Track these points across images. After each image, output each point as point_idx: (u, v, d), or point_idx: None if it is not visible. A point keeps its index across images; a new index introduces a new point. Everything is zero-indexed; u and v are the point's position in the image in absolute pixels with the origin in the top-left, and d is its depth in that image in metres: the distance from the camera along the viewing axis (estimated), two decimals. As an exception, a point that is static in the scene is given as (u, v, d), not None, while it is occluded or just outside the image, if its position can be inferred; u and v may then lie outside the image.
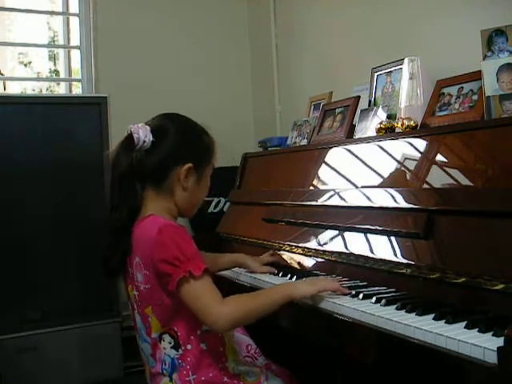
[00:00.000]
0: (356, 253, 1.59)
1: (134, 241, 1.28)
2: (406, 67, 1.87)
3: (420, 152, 1.58)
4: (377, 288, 1.43)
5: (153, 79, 3.20)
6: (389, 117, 1.94)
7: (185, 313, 1.25)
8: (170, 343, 1.27)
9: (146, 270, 1.25)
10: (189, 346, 1.27)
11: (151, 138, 1.30)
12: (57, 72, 4.54)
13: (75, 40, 3.29)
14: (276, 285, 1.36)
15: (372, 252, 1.54)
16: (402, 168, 1.62)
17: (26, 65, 4.79)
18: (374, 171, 1.71)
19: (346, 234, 1.66)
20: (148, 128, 1.31)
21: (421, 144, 1.59)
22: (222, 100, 3.35)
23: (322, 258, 1.73)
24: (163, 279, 1.23)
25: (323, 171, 1.99)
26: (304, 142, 2.37)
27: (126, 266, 1.31)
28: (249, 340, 1.43)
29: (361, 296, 1.34)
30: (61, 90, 4.19)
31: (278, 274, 1.72)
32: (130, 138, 1.29)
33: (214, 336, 1.30)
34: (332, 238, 1.71)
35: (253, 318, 1.28)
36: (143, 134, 1.29)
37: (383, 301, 1.27)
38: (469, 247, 1.28)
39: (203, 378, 1.27)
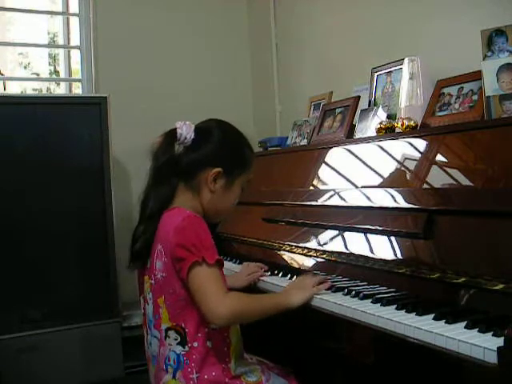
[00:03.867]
0: (356, 253, 1.59)
1: (158, 229, 1.32)
2: (405, 67, 1.87)
3: (420, 152, 1.58)
4: (377, 288, 1.43)
5: (153, 79, 3.20)
6: (389, 117, 1.94)
7: (195, 308, 1.26)
8: (176, 339, 1.29)
9: (166, 258, 1.28)
10: (195, 344, 1.28)
11: (193, 136, 1.35)
12: (57, 72, 4.54)
13: (75, 40, 3.29)
14: (275, 294, 1.39)
15: (372, 252, 1.54)
16: (402, 168, 1.62)
17: (25, 66, 4.79)
18: (374, 171, 1.71)
19: (346, 234, 1.67)
20: (192, 126, 1.37)
21: (421, 144, 1.59)
22: (222, 100, 3.35)
23: (322, 258, 1.73)
24: (177, 265, 1.25)
25: (323, 171, 1.99)
26: (304, 142, 2.37)
27: (149, 254, 1.33)
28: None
29: (361, 296, 1.34)
30: (61, 90, 4.19)
31: (277, 274, 1.72)
32: (173, 131, 1.35)
33: (219, 335, 1.31)
34: (332, 238, 1.71)
35: (249, 318, 1.32)
36: (186, 131, 1.34)
37: (383, 301, 1.27)
38: (469, 247, 1.28)
39: (206, 377, 1.27)
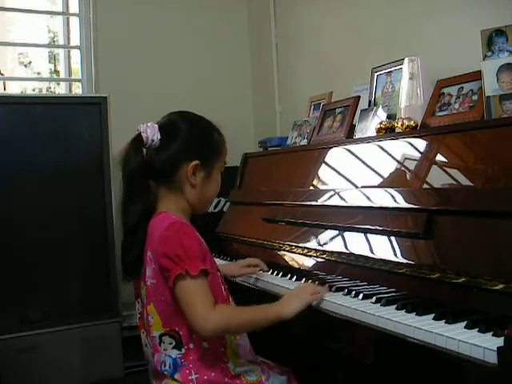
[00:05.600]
0: (356, 253, 1.59)
1: (148, 235, 1.31)
2: (405, 67, 1.87)
3: (420, 152, 1.58)
4: (377, 288, 1.43)
5: (153, 79, 3.20)
6: (389, 117, 1.94)
7: None
8: (171, 344, 1.28)
9: (154, 264, 1.27)
10: (191, 345, 1.27)
11: (159, 137, 1.32)
12: (57, 72, 4.54)
13: (75, 40, 3.29)
14: (269, 304, 1.35)
15: (372, 252, 1.54)
16: (402, 168, 1.62)
17: (26, 65, 4.79)
18: (374, 171, 1.71)
19: (346, 234, 1.67)
20: (156, 126, 1.33)
21: (421, 144, 1.59)
22: (222, 100, 3.34)
23: (322, 258, 1.73)
24: (164, 274, 1.24)
25: (323, 171, 1.99)
26: (304, 142, 2.37)
27: (142, 262, 1.32)
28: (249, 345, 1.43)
29: (361, 296, 1.34)
30: (61, 90, 4.19)
31: (277, 274, 1.72)
32: (138, 137, 1.32)
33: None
34: (332, 238, 1.71)
35: (238, 331, 1.33)
36: (151, 133, 1.31)
37: (383, 301, 1.27)
38: (469, 247, 1.28)
39: (205, 378, 1.27)
